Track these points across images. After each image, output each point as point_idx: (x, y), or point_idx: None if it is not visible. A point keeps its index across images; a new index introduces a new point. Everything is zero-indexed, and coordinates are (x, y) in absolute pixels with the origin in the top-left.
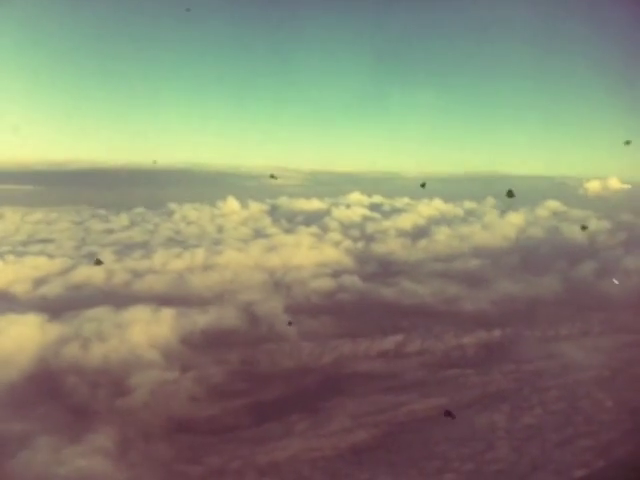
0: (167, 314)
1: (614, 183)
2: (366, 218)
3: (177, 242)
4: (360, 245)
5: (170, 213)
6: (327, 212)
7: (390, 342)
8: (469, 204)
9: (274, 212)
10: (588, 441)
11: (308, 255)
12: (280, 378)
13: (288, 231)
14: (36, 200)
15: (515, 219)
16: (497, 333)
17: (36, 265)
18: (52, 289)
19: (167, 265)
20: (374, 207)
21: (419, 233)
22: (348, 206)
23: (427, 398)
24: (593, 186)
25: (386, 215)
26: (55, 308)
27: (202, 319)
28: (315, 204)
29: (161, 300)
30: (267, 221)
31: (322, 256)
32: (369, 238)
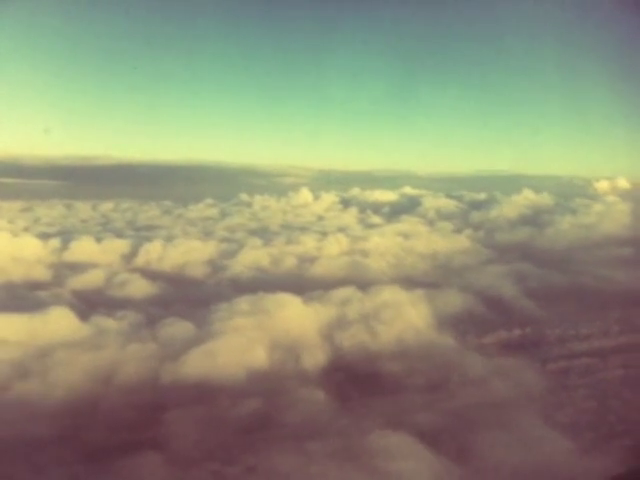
0: (416, 297)
1: (622, 183)
2: (460, 209)
3: (298, 229)
4: (481, 234)
5: (248, 204)
6: (416, 202)
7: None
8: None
9: (348, 203)
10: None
11: (443, 243)
12: None
13: (390, 220)
14: (84, 194)
15: (623, 207)
16: None
17: (193, 248)
18: (237, 271)
19: (322, 250)
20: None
21: (532, 222)
22: (435, 196)
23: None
24: (602, 186)
25: (473, 207)
26: (274, 288)
27: (446, 302)
28: (390, 196)
29: (359, 283)
30: (354, 211)
31: (457, 244)
32: (482, 227)
